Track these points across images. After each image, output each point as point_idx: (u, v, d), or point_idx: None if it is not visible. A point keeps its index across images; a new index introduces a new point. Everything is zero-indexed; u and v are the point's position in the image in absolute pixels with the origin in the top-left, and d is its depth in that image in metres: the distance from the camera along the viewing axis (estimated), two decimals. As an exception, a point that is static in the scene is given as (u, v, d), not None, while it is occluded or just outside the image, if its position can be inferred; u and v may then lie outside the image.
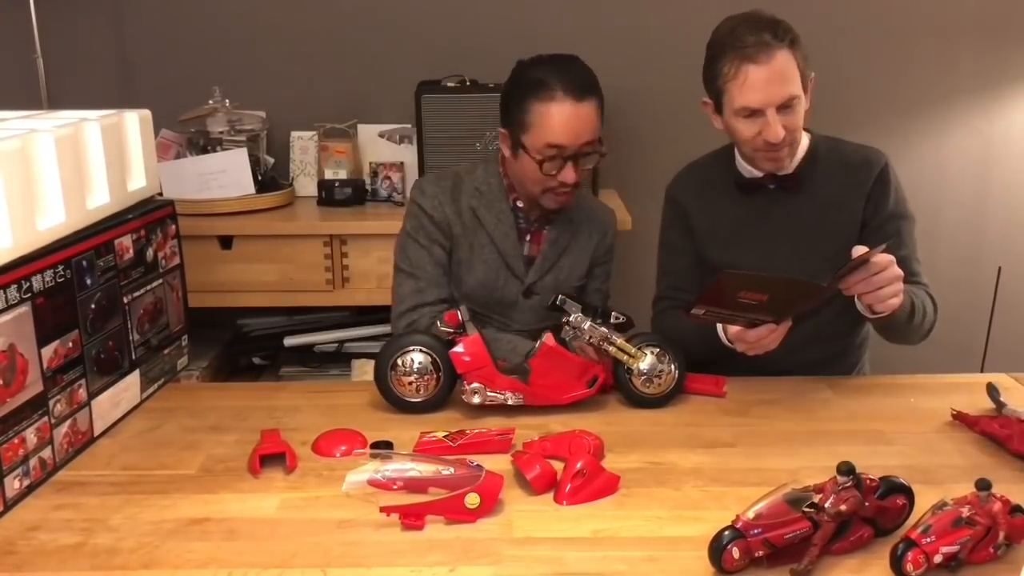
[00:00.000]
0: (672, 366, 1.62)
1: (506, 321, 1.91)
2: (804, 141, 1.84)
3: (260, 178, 2.61)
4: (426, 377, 1.60)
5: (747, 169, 1.86)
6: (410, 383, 1.60)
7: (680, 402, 1.65)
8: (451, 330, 1.62)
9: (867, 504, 1.16)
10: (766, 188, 1.84)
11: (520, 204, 1.91)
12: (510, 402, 1.58)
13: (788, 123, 1.71)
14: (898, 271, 1.57)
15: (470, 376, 1.57)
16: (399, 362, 1.60)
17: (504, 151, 1.87)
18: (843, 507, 1.13)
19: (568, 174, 1.79)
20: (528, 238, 1.93)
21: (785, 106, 1.70)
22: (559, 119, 1.76)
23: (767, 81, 1.69)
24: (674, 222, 1.96)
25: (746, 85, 1.70)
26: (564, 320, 1.58)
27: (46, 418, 1.39)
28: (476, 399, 1.57)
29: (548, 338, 1.60)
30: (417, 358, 1.60)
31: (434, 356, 1.60)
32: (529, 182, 1.83)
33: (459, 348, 1.58)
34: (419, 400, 1.61)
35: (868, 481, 1.17)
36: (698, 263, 1.92)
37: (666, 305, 1.95)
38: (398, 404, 1.62)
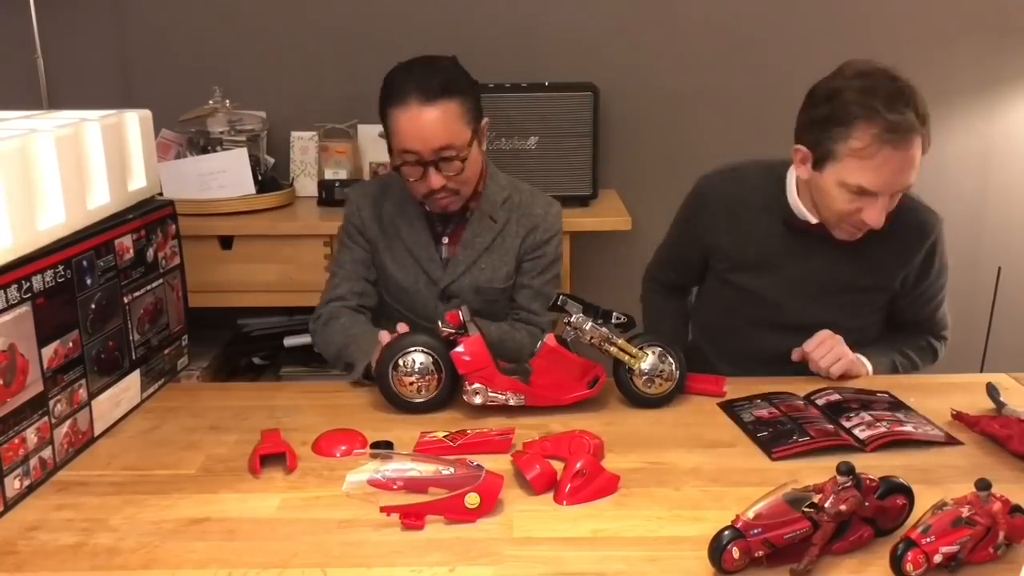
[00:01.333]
0: (673, 366, 1.62)
1: (431, 326, 1.81)
2: None
3: (260, 178, 2.61)
4: (427, 377, 1.60)
5: (801, 211, 1.78)
6: (411, 383, 1.60)
7: (680, 402, 1.65)
8: (452, 330, 1.62)
9: (867, 504, 1.16)
10: (810, 233, 1.78)
11: (430, 208, 1.88)
12: (511, 403, 1.58)
13: (892, 207, 1.66)
14: (830, 352, 1.72)
15: (471, 376, 1.57)
16: (400, 362, 1.60)
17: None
18: (843, 507, 1.13)
19: (430, 181, 1.77)
20: (445, 240, 1.91)
21: (896, 192, 1.64)
22: (407, 125, 1.74)
23: (898, 170, 1.59)
24: (693, 220, 1.92)
25: (875, 167, 1.58)
26: (565, 320, 1.58)
27: (46, 418, 1.39)
28: (477, 399, 1.57)
29: (549, 339, 1.60)
30: (418, 358, 1.60)
31: (435, 356, 1.60)
32: (409, 188, 1.83)
33: (460, 348, 1.58)
34: (420, 400, 1.61)
35: (868, 481, 1.17)
36: (699, 264, 1.93)
37: (655, 287, 2.06)
38: (399, 404, 1.62)
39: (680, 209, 1.97)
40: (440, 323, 1.64)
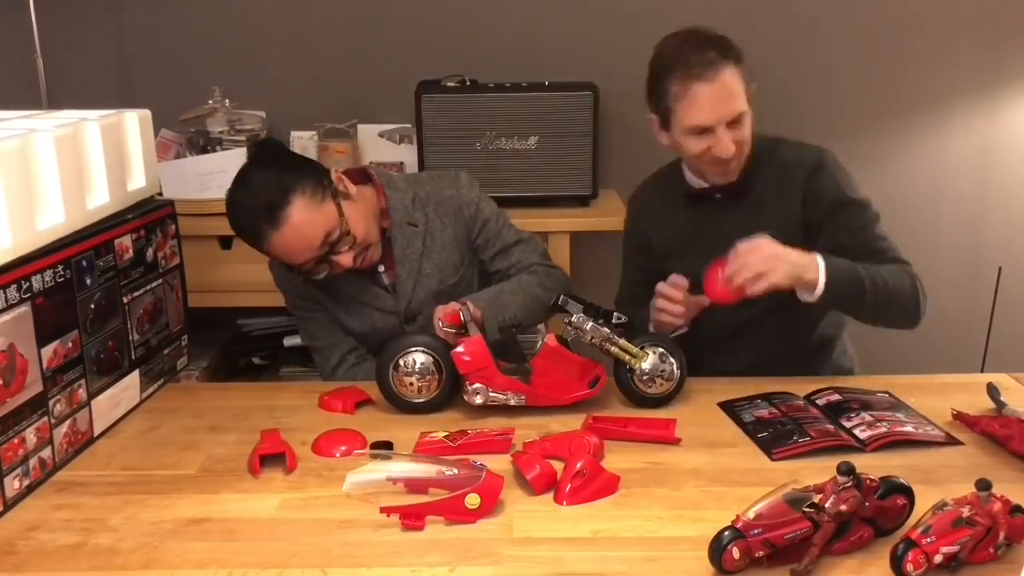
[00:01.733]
0: (674, 366, 1.62)
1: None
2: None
3: (260, 178, 2.60)
4: (428, 377, 1.60)
5: (696, 181, 1.89)
6: (412, 383, 1.60)
7: (680, 402, 1.65)
8: (453, 330, 1.62)
9: (867, 504, 1.16)
10: (713, 198, 1.86)
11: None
12: (512, 402, 1.58)
13: (737, 137, 1.74)
14: (748, 256, 1.60)
15: (472, 377, 1.57)
16: (401, 362, 1.60)
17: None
18: (843, 507, 1.13)
19: (330, 264, 1.74)
20: (382, 268, 1.86)
21: (733, 122, 1.73)
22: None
23: (715, 99, 1.71)
24: (629, 240, 2.05)
25: (695, 104, 1.72)
26: (566, 320, 1.58)
27: (46, 418, 1.39)
28: (478, 400, 1.57)
29: (550, 338, 1.60)
30: (419, 358, 1.60)
31: (436, 356, 1.60)
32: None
33: (461, 349, 1.58)
34: (421, 401, 1.61)
35: (868, 481, 1.17)
36: (653, 276, 1.92)
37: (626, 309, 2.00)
38: (399, 404, 1.62)
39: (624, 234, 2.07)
40: (440, 323, 1.64)
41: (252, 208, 1.70)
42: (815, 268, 1.63)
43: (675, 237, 1.91)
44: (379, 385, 1.62)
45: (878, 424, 1.50)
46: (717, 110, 1.72)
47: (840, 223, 1.78)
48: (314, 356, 1.96)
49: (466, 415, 1.61)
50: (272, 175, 1.72)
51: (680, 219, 1.90)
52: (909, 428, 1.50)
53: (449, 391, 1.62)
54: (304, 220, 1.68)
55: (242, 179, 1.75)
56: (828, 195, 1.80)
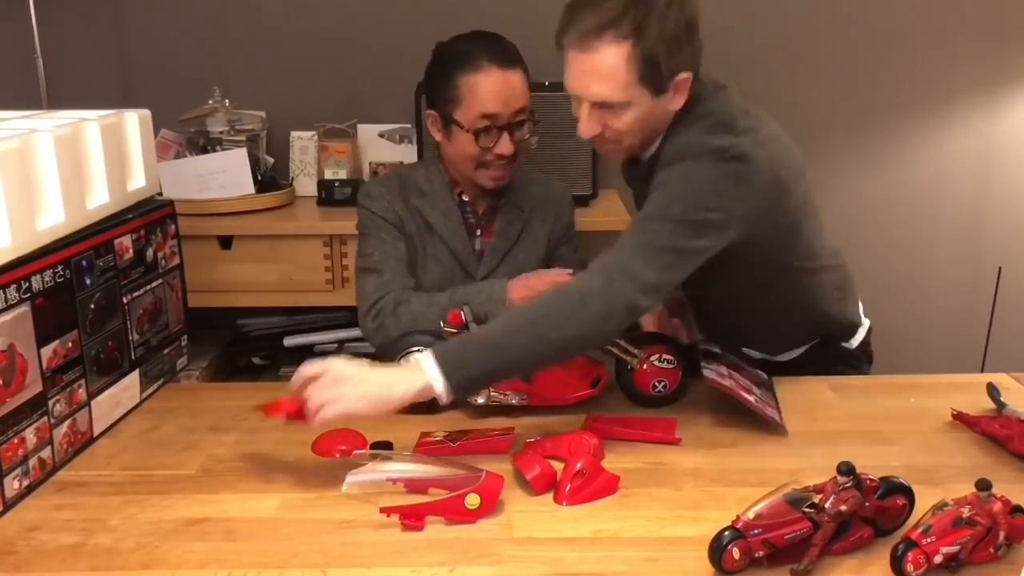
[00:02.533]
0: (675, 366, 1.62)
1: None
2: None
3: (260, 178, 2.60)
4: None
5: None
6: None
7: (680, 402, 1.65)
8: (454, 330, 1.62)
9: (867, 504, 1.16)
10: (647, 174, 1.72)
11: (466, 198, 1.91)
12: (514, 402, 1.58)
13: (610, 123, 1.54)
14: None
15: None
16: (401, 363, 1.59)
17: (435, 136, 1.87)
18: (843, 507, 1.13)
19: (504, 145, 1.80)
20: (479, 233, 1.93)
21: (607, 107, 1.53)
22: (489, 88, 1.77)
23: (583, 73, 1.54)
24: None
25: (567, 68, 1.57)
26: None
27: (45, 418, 1.39)
28: (480, 399, 1.57)
29: None
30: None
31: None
32: (464, 160, 1.82)
33: None
34: (423, 400, 1.61)
35: (868, 481, 1.17)
36: None
37: None
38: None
39: None
40: (442, 323, 1.64)
41: (492, 45, 1.81)
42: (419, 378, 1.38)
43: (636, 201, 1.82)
44: None
45: (729, 379, 1.56)
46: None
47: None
48: (363, 283, 1.84)
49: (467, 415, 1.60)
50: (514, 47, 1.86)
51: (636, 185, 1.81)
52: (751, 398, 1.54)
53: None
54: (523, 82, 1.81)
55: (483, 31, 1.88)
56: (660, 176, 1.54)
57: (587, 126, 1.55)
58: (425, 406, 1.59)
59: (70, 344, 1.44)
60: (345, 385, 1.36)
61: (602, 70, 1.48)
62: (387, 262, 1.85)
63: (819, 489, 1.15)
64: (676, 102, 1.55)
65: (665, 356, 1.61)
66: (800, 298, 1.74)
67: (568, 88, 1.57)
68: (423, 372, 1.38)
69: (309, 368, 1.38)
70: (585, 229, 2.51)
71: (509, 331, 1.42)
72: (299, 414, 1.38)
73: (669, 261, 1.46)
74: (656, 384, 1.61)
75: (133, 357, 1.64)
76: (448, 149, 1.86)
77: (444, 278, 1.89)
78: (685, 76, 1.52)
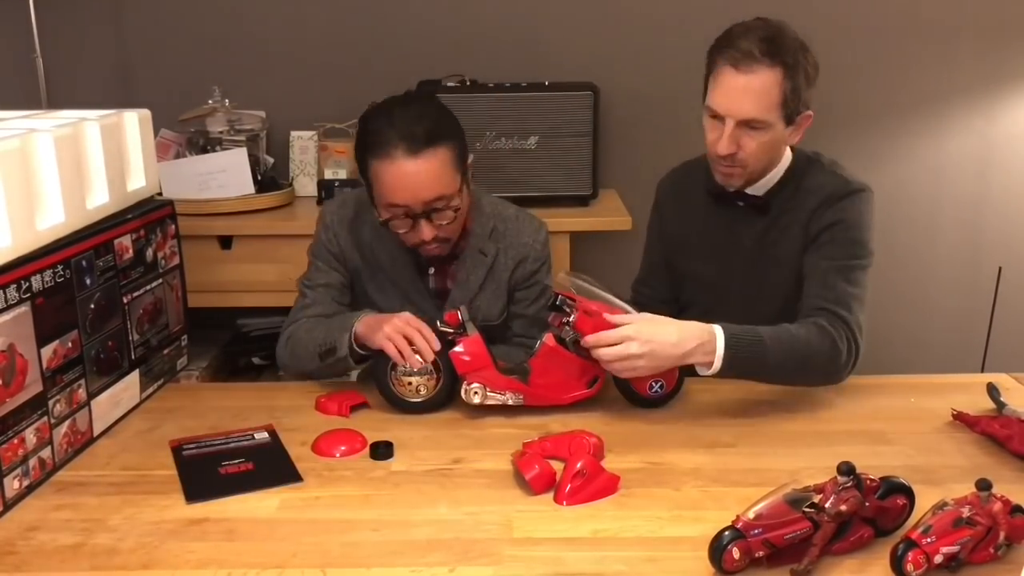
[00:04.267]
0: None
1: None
2: (784, 164, 1.77)
3: (260, 178, 2.60)
4: (426, 377, 1.60)
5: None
6: (410, 383, 1.60)
7: (680, 402, 1.65)
8: (451, 330, 1.62)
9: (867, 504, 1.16)
10: (735, 204, 1.80)
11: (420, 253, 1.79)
12: (510, 402, 1.58)
13: (745, 144, 1.66)
14: (607, 349, 1.51)
15: (470, 376, 1.57)
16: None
17: None
18: (843, 507, 1.13)
19: (422, 233, 1.67)
20: (431, 271, 1.82)
21: (750, 126, 1.65)
22: (393, 179, 1.62)
23: (735, 92, 1.63)
24: (652, 222, 2.01)
25: (717, 87, 1.66)
26: (564, 321, 1.58)
27: (45, 418, 1.39)
28: (476, 399, 1.57)
29: (548, 338, 1.60)
30: (417, 358, 1.59)
31: (434, 356, 1.60)
32: (396, 238, 1.73)
33: (459, 348, 1.58)
34: (419, 400, 1.61)
35: (868, 481, 1.17)
36: (667, 264, 1.95)
37: (634, 297, 2.00)
38: (398, 404, 1.62)
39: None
40: (439, 323, 1.64)
41: (403, 125, 1.62)
42: (709, 351, 1.53)
43: (691, 233, 1.88)
44: (377, 386, 1.62)
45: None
46: (730, 102, 1.66)
47: (820, 258, 1.69)
48: (297, 299, 1.86)
49: (466, 415, 1.60)
50: (443, 114, 1.69)
51: (700, 216, 1.86)
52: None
53: (448, 391, 1.62)
54: (434, 168, 1.63)
55: (407, 99, 1.71)
56: (836, 238, 1.70)
57: (727, 143, 1.66)
58: (426, 405, 1.60)
59: (70, 344, 1.44)
60: (656, 359, 1.53)
61: (756, 89, 1.63)
62: (315, 290, 1.82)
63: (819, 489, 1.15)
64: (794, 137, 1.73)
65: None
66: None
67: (715, 104, 1.68)
68: (714, 350, 1.53)
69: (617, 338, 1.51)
70: (585, 229, 2.52)
71: (787, 349, 1.58)
72: (339, 411, 1.60)
73: (866, 308, 1.68)
74: (653, 384, 1.61)
75: (133, 357, 1.64)
76: None
77: (394, 311, 1.70)
78: (809, 113, 1.71)
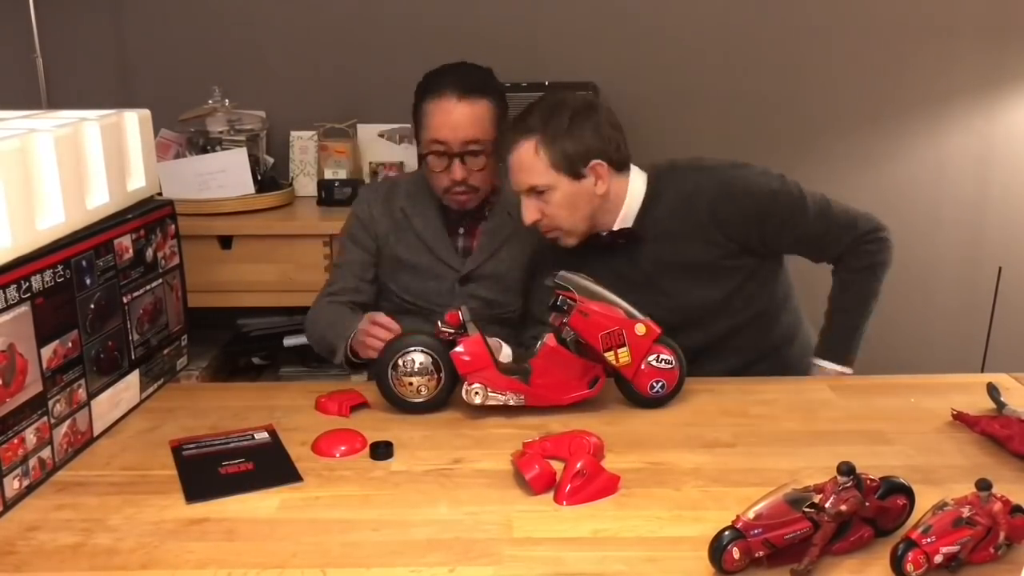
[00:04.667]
0: (673, 365, 1.62)
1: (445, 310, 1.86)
2: (637, 189, 1.82)
3: (260, 178, 2.60)
4: (427, 377, 1.60)
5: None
6: (411, 383, 1.60)
7: (680, 402, 1.65)
8: (452, 330, 1.62)
9: (867, 504, 1.15)
10: (616, 243, 1.84)
11: (446, 203, 1.97)
12: (511, 402, 1.58)
13: (543, 209, 1.78)
14: None
15: (471, 376, 1.57)
16: (400, 362, 1.60)
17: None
18: (843, 507, 1.13)
19: (454, 171, 1.87)
20: (461, 231, 1.99)
21: (536, 193, 1.77)
22: (439, 115, 1.85)
23: (513, 169, 1.79)
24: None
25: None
26: (564, 320, 1.58)
27: (45, 418, 1.39)
28: (477, 399, 1.57)
29: (549, 339, 1.60)
30: (418, 358, 1.59)
31: (435, 356, 1.60)
32: (430, 183, 1.94)
33: (460, 348, 1.58)
34: (420, 400, 1.61)
35: (868, 481, 1.17)
36: None
37: None
38: (399, 404, 1.61)
39: None
40: (439, 323, 1.64)
41: (458, 73, 1.87)
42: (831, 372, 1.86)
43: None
44: (378, 385, 1.62)
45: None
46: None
47: (775, 231, 1.81)
48: (328, 279, 2.05)
49: (466, 415, 1.61)
50: (491, 79, 1.92)
51: (594, 267, 1.80)
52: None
53: (449, 390, 1.62)
54: (476, 113, 1.86)
55: (465, 63, 1.92)
56: (744, 217, 1.79)
57: (527, 214, 1.79)
58: (427, 405, 1.60)
59: (70, 344, 1.44)
60: None
61: (523, 162, 1.76)
62: (341, 267, 2.01)
63: (819, 489, 1.15)
64: (602, 185, 1.78)
65: (663, 356, 1.61)
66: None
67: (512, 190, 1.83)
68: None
69: None
70: (585, 229, 2.52)
71: (860, 305, 1.89)
72: (339, 411, 1.62)
73: (847, 212, 1.87)
74: (654, 384, 1.61)
75: (133, 357, 1.64)
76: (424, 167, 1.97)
77: (421, 270, 1.96)
78: (598, 162, 1.77)
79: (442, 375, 1.60)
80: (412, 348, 1.60)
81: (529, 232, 1.91)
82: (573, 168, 1.75)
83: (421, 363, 1.59)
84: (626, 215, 1.84)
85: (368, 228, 1.99)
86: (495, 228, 1.99)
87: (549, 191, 1.76)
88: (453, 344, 1.59)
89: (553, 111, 1.76)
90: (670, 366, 1.62)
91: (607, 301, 1.58)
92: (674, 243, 1.82)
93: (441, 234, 1.97)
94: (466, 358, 1.57)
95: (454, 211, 1.97)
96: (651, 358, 1.60)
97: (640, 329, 1.58)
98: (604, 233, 1.84)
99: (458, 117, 1.84)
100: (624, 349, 1.58)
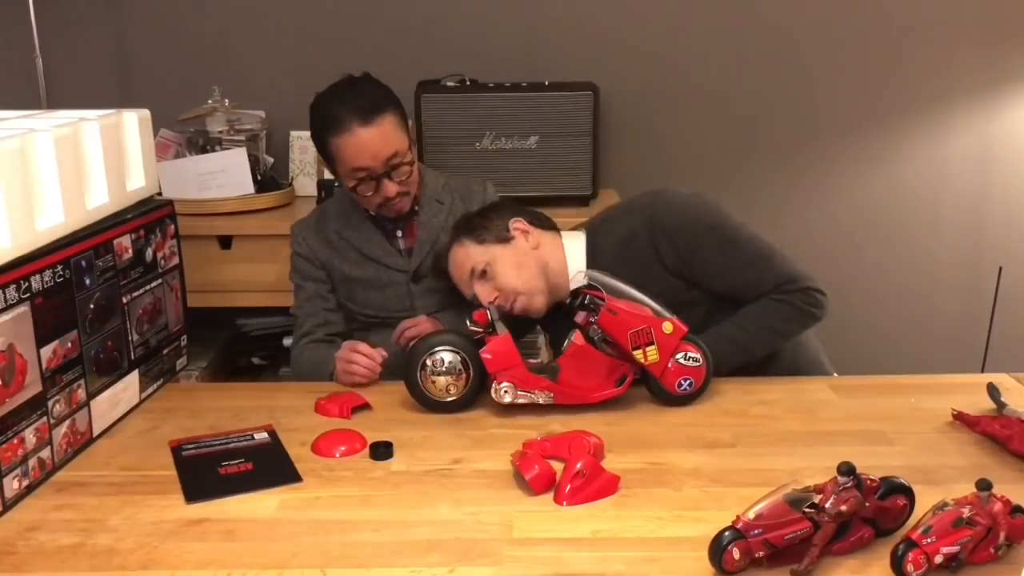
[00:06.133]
0: (700, 362, 1.61)
1: (410, 314, 1.92)
2: (578, 248, 1.85)
3: (259, 178, 2.60)
4: (454, 376, 1.59)
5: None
6: (441, 383, 1.60)
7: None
8: (480, 329, 1.62)
9: (867, 504, 1.15)
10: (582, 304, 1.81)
11: (373, 212, 1.97)
12: (541, 401, 1.58)
13: (493, 289, 1.79)
14: None
15: (500, 375, 1.57)
16: (428, 362, 1.59)
17: None
18: (844, 507, 1.12)
19: (385, 191, 1.88)
20: (399, 234, 1.99)
21: (477, 276, 1.80)
22: (355, 147, 1.84)
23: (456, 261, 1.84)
24: None
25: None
26: (591, 319, 1.58)
27: (45, 418, 1.39)
28: (507, 398, 1.57)
29: (577, 337, 1.60)
30: (446, 357, 1.59)
31: (463, 355, 1.60)
32: (361, 204, 1.94)
33: (488, 347, 1.58)
34: (451, 400, 1.61)
35: (868, 481, 1.16)
36: None
37: None
38: (429, 404, 1.61)
39: None
40: (468, 322, 1.64)
41: (352, 102, 1.86)
42: None
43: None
44: (408, 386, 1.62)
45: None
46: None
47: (701, 271, 1.76)
48: (294, 324, 2.03)
49: (465, 415, 1.60)
50: (381, 88, 1.92)
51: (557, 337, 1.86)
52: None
53: (477, 389, 1.62)
54: (390, 131, 1.86)
55: (350, 81, 1.93)
56: (675, 250, 1.76)
57: (482, 296, 1.78)
58: (457, 404, 1.61)
59: (70, 344, 1.44)
60: None
61: (462, 259, 1.82)
62: (302, 308, 2.00)
63: (819, 489, 1.15)
64: (534, 240, 1.83)
65: (691, 354, 1.61)
66: None
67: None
68: None
69: None
70: (585, 229, 2.52)
71: (751, 332, 1.75)
72: (340, 413, 1.61)
73: (772, 250, 1.78)
74: (682, 382, 1.61)
75: (132, 357, 1.64)
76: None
77: (373, 284, 1.96)
78: (517, 224, 1.83)
79: (471, 374, 1.60)
80: (440, 347, 1.60)
81: (461, 212, 1.96)
82: (500, 235, 1.81)
83: (449, 362, 1.59)
84: (577, 275, 1.81)
85: (312, 260, 1.98)
86: (428, 219, 1.99)
87: (490, 265, 1.78)
88: (481, 343, 1.59)
89: (462, 218, 1.88)
90: (697, 364, 1.61)
91: (635, 299, 1.58)
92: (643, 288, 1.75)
93: (380, 242, 1.97)
94: (495, 357, 1.57)
95: (386, 218, 1.97)
96: (679, 356, 1.60)
97: (668, 327, 1.59)
98: (567, 300, 1.79)
99: (370, 142, 1.83)
100: (652, 347, 1.58)
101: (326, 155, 1.91)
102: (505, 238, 1.81)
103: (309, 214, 2.07)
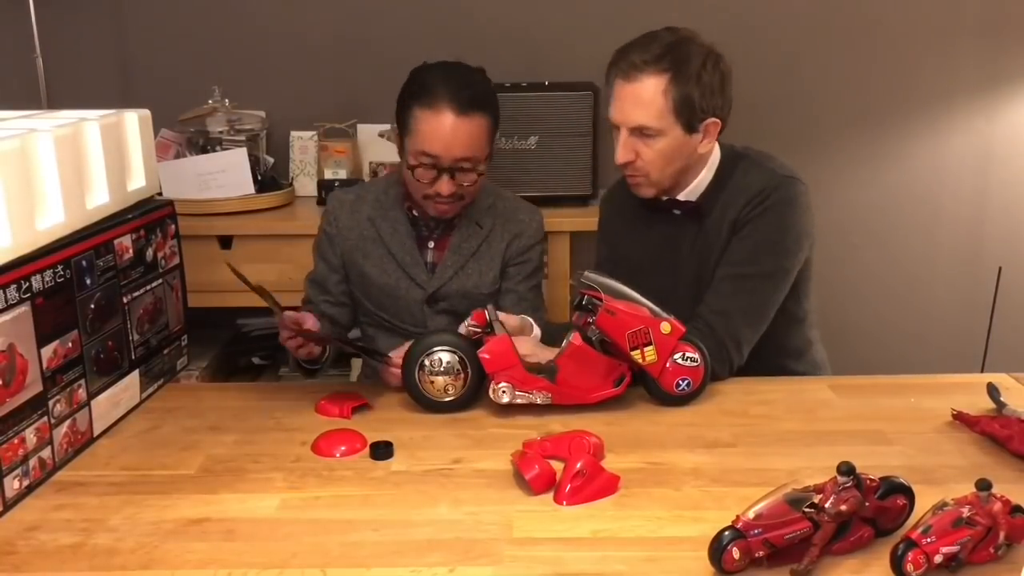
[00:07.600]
0: (698, 363, 1.61)
1: (418, 330, 1.84)
2: (712, 166, 1.80)
3: (260, 178, 2.60)
4: (452, 376, 1.59)
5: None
6: (439, 382, 1.60)
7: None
8: (479, 329, 1.62)
9: (867, 504, 1.15)
10: (672, 213, 1.81)
11: (416, 213, 1.91)
12: (538, 401, 1.58)
13: (641, 152, 1.72)
14: None
15: (498, 376, 1.57)
16: (426, 362, 1.59)
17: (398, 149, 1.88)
18: (843, 507, 1.13)
19: (441, 186, 1.78)
20: (431, 245, 1.92)
21: (643, 134, 1.71)
22: (435, 129, 1.74)
23: (625, 100, 1.71)
24: (600, 240, 2.00)
25: (612, 98, 1.74)
26: (589, 319, 1.58)
27: (45, 418, 1.39)
28: (505, 398, 1.57)
29: (575, 337, 1.60)
30: (444, 357, 1.59)
31: (461, 355, 1.60)
32: (410, 186, 1.84)
33: (487, 347, 1.58)
34: (449, 399, 1.61)
35: (868, 481, 1.17)
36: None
37: None
38: (428, 405, 1.61)
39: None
40: (467, 322, 1.64)
41: (455, 85, 1.75)
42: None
43: (635, 248, 1.88)
44: (406, 387, 1.62)
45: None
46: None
47: (732, 246, 1.74)
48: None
49: (465, 415, 1.60)
50: (489, 89, 1.82)
51: (641, 229, 1.85)
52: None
53: (475, 389, 1.62)
54: (475, 133, 1.76)
55: (466, 68, 1.81)
56: (745, 221, 1.73)
57: (621, 152, 1.71)
58: (455, 404, 1.61)
59: (70, 344, 1.44)
60: None
61: (643, 98, 1.68)
62: (310, 283, 1.98)
63: (819, 489, 1.15)
64: (707, 145, 1.74)
65: (688, 354, 1.61)
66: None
67: (611, 117, 1.74)
68: None
69: None
70: (585, 229, 2.52)
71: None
72: (340, 413, 1.61)
73: (765, 317, 1.75)
74: (680, 382, 1.61)
75: (133, 357, 1.64)
76: (402, 169, 1.86)
77: (389, 286, 1.90)
78: (715, 120, 1.73)
79: (468, 374, 1.60)
80: (438, 347, 1.60)
81: (498, 243, 1.89)
82: (691, 120, 1.69)
83: (447, 362, 1.59)
84: (696, 187, 1.78)
85: (334, 243, 1.93)
86: (462, 242, 1.90)
87: (656, 136, 1.69)
88: (479, 343, 1.59)
89: (687, 53, 1.69)
90: (695, 364, 1.61)
91: (632, 300, 1.58)
92: (718, 237, 1.76)
93: (411, 248, 1.90)
94: (492, 357, 1.57)
95: (424, 221, 1.91)
96: (677, 356, 1.60)
97: (665, 328, 1.59)
98: (665, 199, 1.77)
99: (454, 134, 1.74)
100: (650, 347, 1.58)
101: (403, 123, 1.80)
102: (693, 128, 1.70)
103: (346, 190, 1.99)
